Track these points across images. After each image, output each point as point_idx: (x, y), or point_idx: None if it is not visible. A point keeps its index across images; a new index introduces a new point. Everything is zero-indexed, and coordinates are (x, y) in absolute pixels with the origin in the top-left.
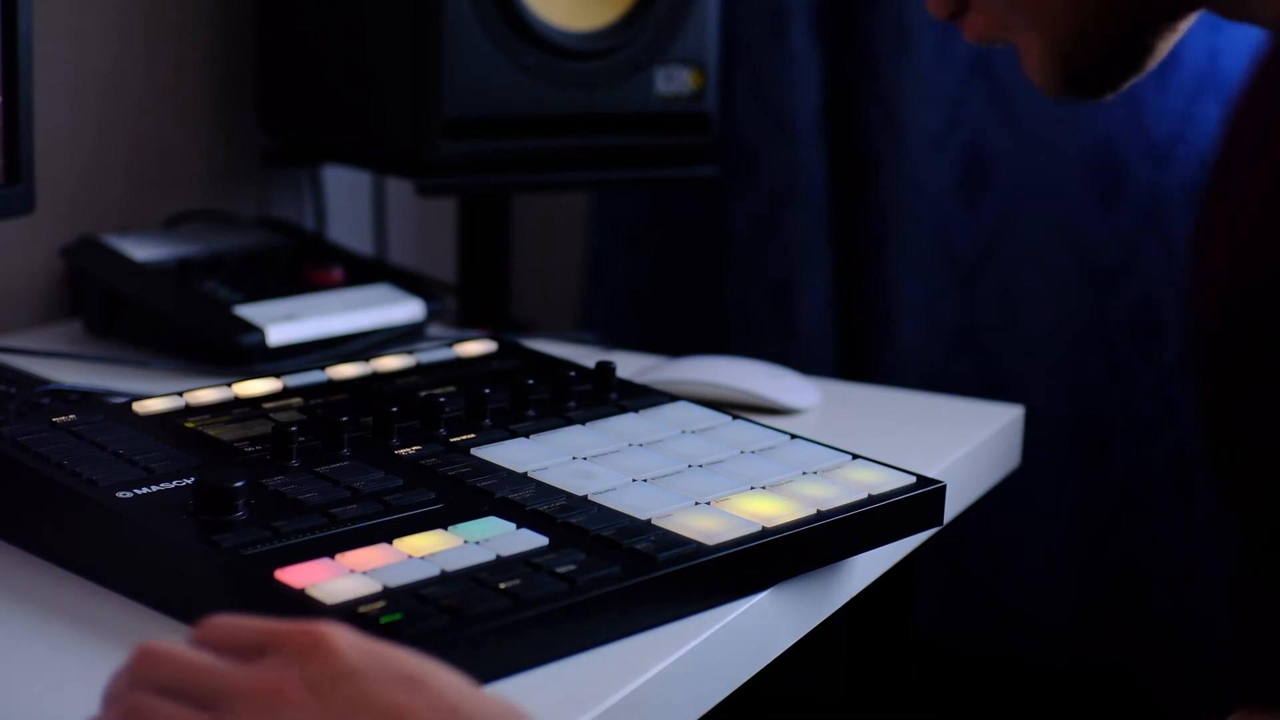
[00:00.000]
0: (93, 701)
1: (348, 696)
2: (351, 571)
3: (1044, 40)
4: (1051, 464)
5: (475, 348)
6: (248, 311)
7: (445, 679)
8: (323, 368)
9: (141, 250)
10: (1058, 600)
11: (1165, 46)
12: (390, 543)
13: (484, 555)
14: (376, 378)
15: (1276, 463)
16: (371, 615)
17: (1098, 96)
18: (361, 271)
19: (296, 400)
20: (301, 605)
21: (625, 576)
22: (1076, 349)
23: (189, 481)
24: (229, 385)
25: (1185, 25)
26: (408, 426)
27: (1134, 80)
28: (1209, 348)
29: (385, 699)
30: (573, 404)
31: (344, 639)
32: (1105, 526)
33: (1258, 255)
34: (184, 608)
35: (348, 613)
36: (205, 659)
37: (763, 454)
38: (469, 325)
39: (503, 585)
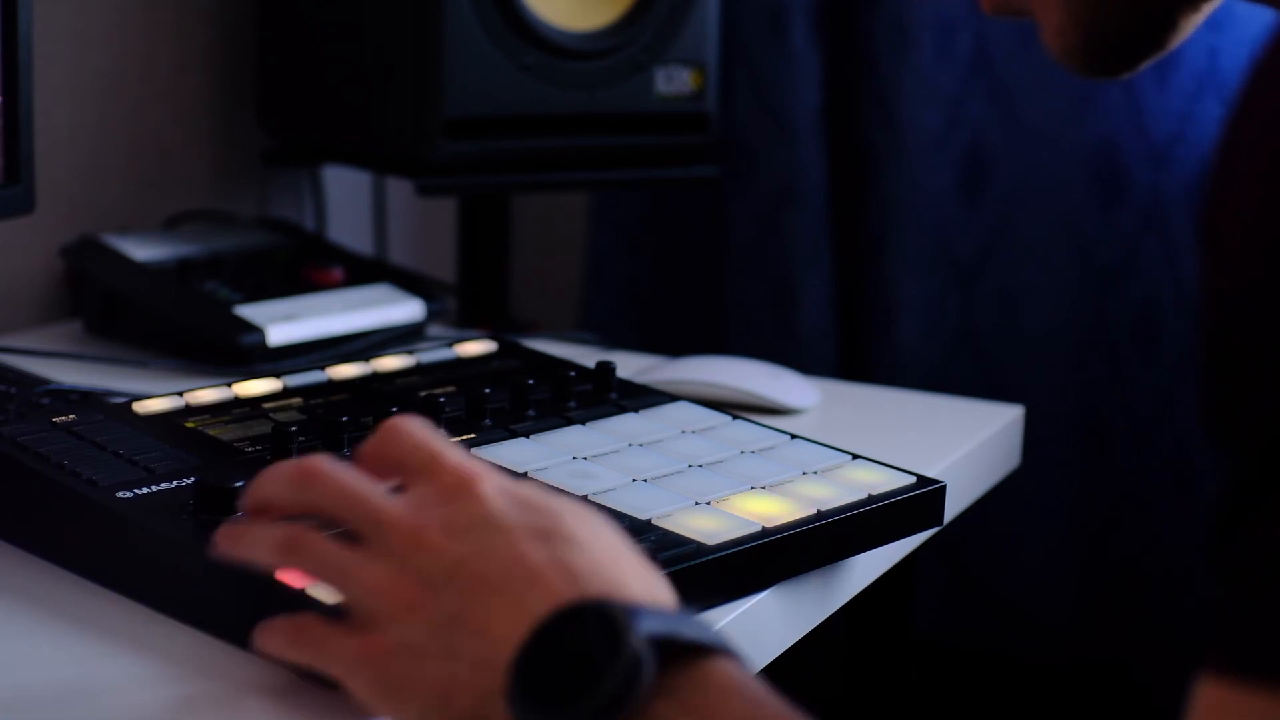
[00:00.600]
0: (93, 702)
1: (480, 543)
2: None
3: (1062, 7)
4: (1052, 464)
5: (475, 348)
6: (248, 311)
7: (581, 537)
8: (323, 368)
9: (141, 250)
10: (1058, 600)
11: (1189, 25)
12: None
13: None
14: (376, 378)
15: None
16: None
17: (1116, 73)
18: (361, 271)
19: (296, 400)
20: (302, 605)
21: None
22: (1076, 349)
23: (189, 481)
24: (229, 385)
25: (1210, 6)
26: None
27: (1155, 58)
28: (1217, 288)
29: (513, 550)
30: (573, 404)
31: (494, 486)
32: (1105, 526)
33: (1266, 224)
34: (184, 608)
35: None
36: (362, 486)
37: (763, 454)
38: (469, 325)
39: None
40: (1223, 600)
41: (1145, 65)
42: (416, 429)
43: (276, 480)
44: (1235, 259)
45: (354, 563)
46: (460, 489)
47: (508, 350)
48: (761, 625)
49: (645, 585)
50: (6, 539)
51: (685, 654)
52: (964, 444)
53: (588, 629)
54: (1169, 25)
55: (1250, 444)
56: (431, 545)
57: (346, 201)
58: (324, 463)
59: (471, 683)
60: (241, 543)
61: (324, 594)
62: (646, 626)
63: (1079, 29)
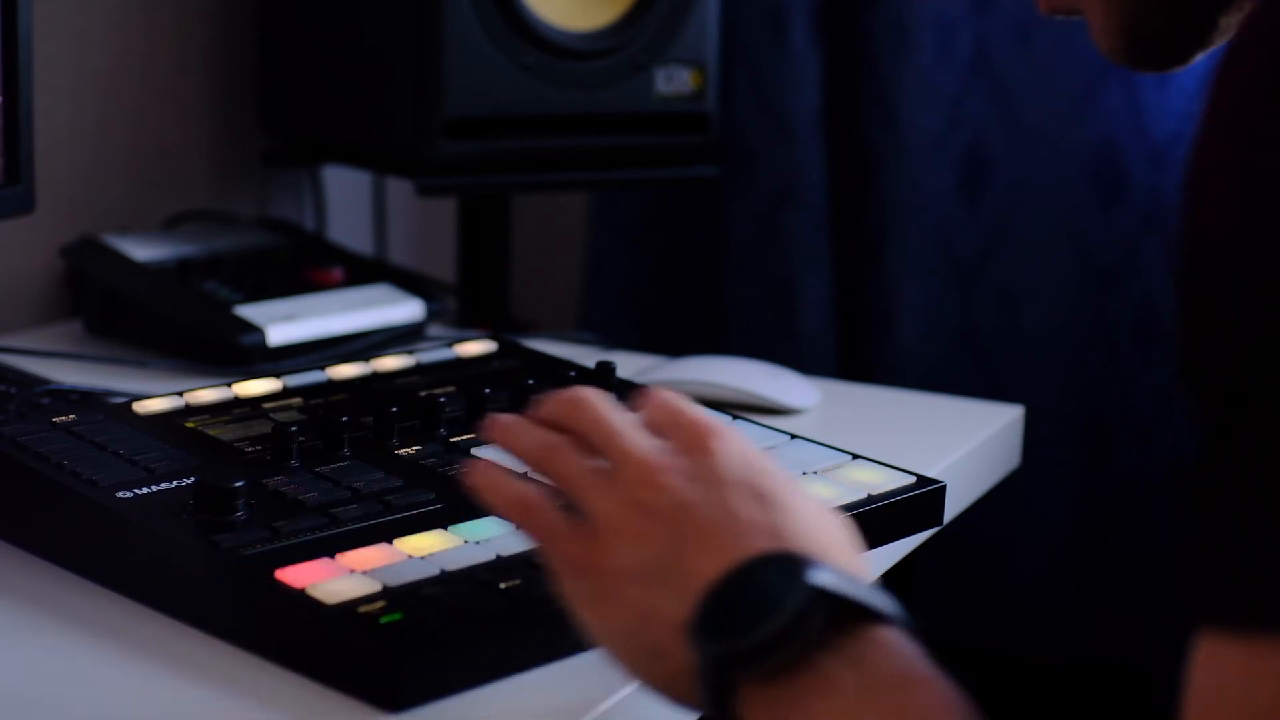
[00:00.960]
0: (92, 702)
1: (704, 493)
2: (351, 571)
3: (1105, 9)
4: (1052, 464)
5: (475, 348)
6: (248, 311)
7: (795, 505)
8: (323, 368)
9: (141, 250)
10: (1058, 600)
11: (1232, 22)
12: (390, 543)
13: (484, 555)
14: (376, 378)
15: (1246, 352)
16: (371, 615)
17: (1165, 68)
18: (361, 271)
19: (296, 400)
20: (302, 605)
21: None
22: (1076, 349)
23: (189, 481)
24: (229, 385)
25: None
26: (408, 426)
27: (1204, 53)
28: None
29: (731, 505)
30: None
31: (729, 446)
32: (1105, 526)
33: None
34: (184, 608)
35: (348, 613)
36: (619, 421)
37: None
38: (469, 325)
39: (503, 585)
40: (1203, 553)
41: (1195, 59)
42: (675, 403)
43: (552, 398)
44: (1212, 214)
45: (593, 482)
46: (700, 443)
47: (508, 350)
48: None
49: (844, 559)
50: (6, 539)
51: (857, 617)
52: (964, 444)
53: (770, 572)
54: (1210, 25)
55: (1220, 391)
56: (662, 485)
57: (346, 201)
58: (595, 395)
59: (667, 614)
60: (508, 432)
61: (324, 594)
62: (821, 578)
63: (1120, 30)
